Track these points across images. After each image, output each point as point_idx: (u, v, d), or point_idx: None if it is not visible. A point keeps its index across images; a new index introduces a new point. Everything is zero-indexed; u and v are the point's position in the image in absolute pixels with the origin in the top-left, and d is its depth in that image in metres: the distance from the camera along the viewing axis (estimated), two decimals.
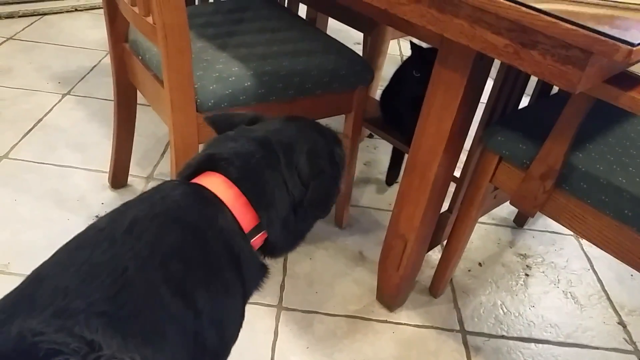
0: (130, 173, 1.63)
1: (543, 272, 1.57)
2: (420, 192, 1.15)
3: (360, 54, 1.39)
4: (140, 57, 1.27)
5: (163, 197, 0.73)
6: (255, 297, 1.33)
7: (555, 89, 1.45)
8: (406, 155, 1.22)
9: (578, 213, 1.04)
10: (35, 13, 2.62)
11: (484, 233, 1.68)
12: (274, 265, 1.44)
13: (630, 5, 0.81)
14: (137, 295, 0.62)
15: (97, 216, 1.50)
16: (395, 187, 1.79)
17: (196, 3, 1.72)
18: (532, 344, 1.34)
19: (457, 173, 1.32)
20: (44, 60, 2.25)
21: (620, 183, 0.98)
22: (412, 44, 1.44)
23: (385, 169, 1.84)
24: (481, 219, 1.71)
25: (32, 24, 2.54)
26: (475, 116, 1.11)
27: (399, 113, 1.53)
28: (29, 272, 0.64)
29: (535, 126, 1.11)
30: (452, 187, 1.35)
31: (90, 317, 0.57)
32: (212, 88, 1.11)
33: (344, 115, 1.40)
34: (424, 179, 1.13)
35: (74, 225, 1.47)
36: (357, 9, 1.16)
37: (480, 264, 1.56)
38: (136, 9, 1.08)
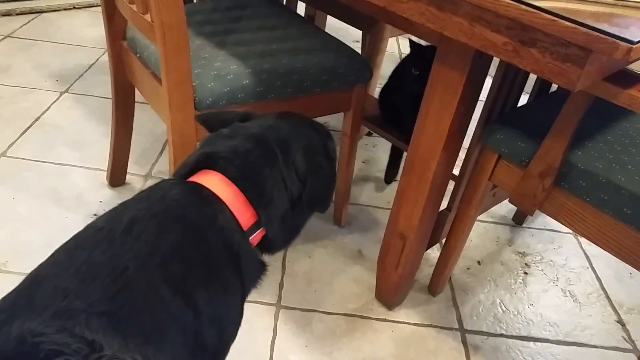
0: (128, 171, 1.63)
1: (542, 270, 1.57)
2: (419, 191, 1.15)
3: (359, 52, 1.39)
4: (138, 55, 1.26)
5: (161, 196, 0.73)
6: (254, 296, 1.33)
7: (554, 87, 1.45)
8: (405, 154, 1.21)
9: (577, 211, 1.04)
10: (33, 11, 2.61)
11: (482, 231, 1.68)
12: (272, 263, 1.44)
13: (629, 3, 0.80)
14: (138, 295, 0.62)
15: (95, 214, 1.50)
16: (394, 185, 1.79)
17: (194, 1, 1.71)
18: (531, 343, 1.34)
19: (455, 171, 1.32)
20: (41, 58, 2.25)
21: (619, 181, 0.98)
22: (411, 41, 1.43)
23: (384, 167, 1.84)
24: (480, 217, 1.71)
25: (29, 21, 2.53)
26: (474, 114, 1.10)
27: (397, 111, 1.53)
28: (27, 271, 0.64)
29: (534, 124, 1.10)
30: (451, 185, 1.35)
31: (90, 318, 0.57)
32: (211, 86, 1.11)
33: (342, 113, 1.40)
34: (422, 177, 1.13)
35: (72, 223, 1.47)
36: (356, 6, 1.16)
37: (479, 263, 1.56)
38: (134, 7, 1.08)
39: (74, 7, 2.73)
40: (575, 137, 1.00)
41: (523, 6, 0.73)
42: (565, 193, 1.04)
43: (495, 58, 0.95)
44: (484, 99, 1.25)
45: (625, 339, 1.39)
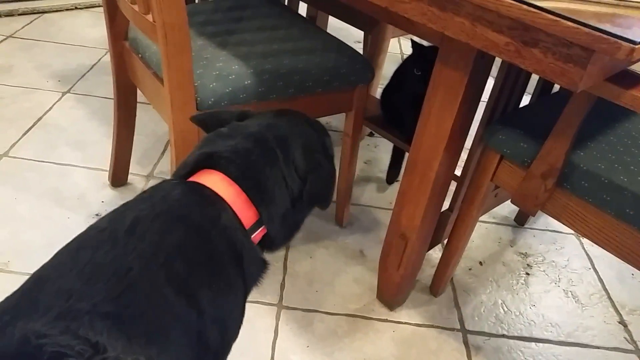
0: (130, 171, 1.63)
1: (544, 271, 1.56)
2: (421, 191, 1.15)
3: (361, 52, 1.39)
4: (140, 55, 1.26)
5: (164, 197, 0.73)
6: (255, 296, 1.33)
7: (556, 88, 1.45)
8: (407, 154, 1.21)
9: (579, 212, 1.04)
10: (35, 11, 2.61)
11: (484, 232, 1.68)
12: (274, 264, 1.44)
13: (631, 4, 0.80)
14: (142, 296, 0.62)
15: (97, 215, 1.50)
16: (396, 186, 1.79)
17: (196, 1, 1.71)
18: (533, 343, 1.34)
19: (457, 172, 1.31)
20: (43, 58, 2.25)
21: (621, 182, 0.98)
22: (413, 42, 1.43)
23: (385, 168, 1.83)
24: (482, 218, 1.71)
25: (31, 22, 2.54)
26: (476, 115, 1.10)
27: (399, 111, 1.53)
28: (28, 271, 0.64)
29: (537, 125, 1.10)
30: (453, 185, 1.35)
31: (94, 319, 0.57)
32: (212, 86, 1.11)
33: (344, 114, 1.40)
34: (424, 177, 1.13)
35: (73, 223, 1.47)
36: (357, 7, 1.16)
37: (480, 263, 1.56)
38: (136, 7, 1.08)
39: (76, 8, 2.73)
40: (577, 138, 1.00)
41: (525, 6, 0.73)
42: (568, 194, 1.04)
43: (497, 58, 0.95)
44: (486, 100, 1.25)
45: (627, 340, 1.38)
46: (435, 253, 1.55)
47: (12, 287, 0.62)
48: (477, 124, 1.27)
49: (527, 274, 1.55)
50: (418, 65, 1.41)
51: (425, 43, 1.36)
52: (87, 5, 2.76)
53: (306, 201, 0.85)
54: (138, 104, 1.50)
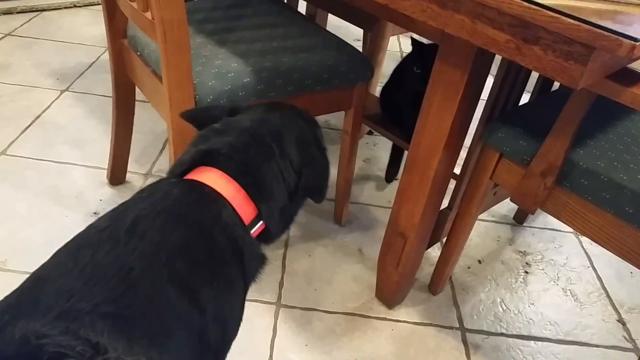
0: (128, 170, 1.63)
1: (542, 269, 1.56)
2: (420, 189, 1.15)
3: (360, 50, 1.39)
4: (139, 53, 1.26)
5: (164, 195, 0.73)
6: (254, 295, 1.33)
7: (555, 86, 1.45)
8: (406, 152, 1.21)
9: (578, 210, 1.04)
10: (33, 9, 2.61)
11: (483, 230, 1.68)
12: (273, 262, 1.44)
13: (632, 1, 0.80)
14: (143, 296, 0.61)
15: (95, 213, 1.50)
16: (395, 184, 1.79)
17: None
18: (532, 342, 1.34)
19: (457, 170, 1.31)
20: (42, 56, 2.24)
21: (621, 180, 0.97)
22: (413, 40, 1.43)
23: (384, 166, 1.83)
24: (481, 216, 1.71)
25: (30, 20, 2.53)
26: (475, 113, 1.10)
27: (399, 110, 1.53)
28: (26, 269, 0.63)
29: (536, 123, 1.10)
30: (452, 184, 1.35)
31: (95, 319, 0.56)
32: (211, 84, 1.10)
33: (343, 112, 1.40)
34: (424, 176, 1.13)
35: (72, 221, 1.47)
36: (357, 4, 1.16)
37: (479, 262, 1.56)
38: (135, 5, 1.07)
39: (75, 6, 2.72)
40: (577, 136, 0.99)
41: (525, 3, 0.73)
42: (567, 192, 1.04)
43: (496, 56, 0.95)
44: (486, 98, 1.25)
45: (626, 338, 1.38)
46: (434, 251, 1.55)
47: (9, 286, 0.62)
48: (477, 122, 1.27)
49: (526, 272, 1.55)
50: (418, 63, 1.40)
51: (425, 41, 1.36)
52: (85, 3, 2.75)
53: (301, 194, 0.85)
54: (137, 102, 1.50)
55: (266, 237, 0.83)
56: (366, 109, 1.43)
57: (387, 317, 1.34)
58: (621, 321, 1.43)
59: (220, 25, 1.33)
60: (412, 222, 1.20)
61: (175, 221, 0.69)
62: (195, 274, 0.67)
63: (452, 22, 0.84)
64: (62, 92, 2.02)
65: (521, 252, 1.62)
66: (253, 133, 0.83)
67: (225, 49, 1.21)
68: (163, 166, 1.72)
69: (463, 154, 1.28)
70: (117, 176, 1.61)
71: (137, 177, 1.66)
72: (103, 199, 1.56)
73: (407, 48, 2.75)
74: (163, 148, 1.80)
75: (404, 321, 1.34)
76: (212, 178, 0.77)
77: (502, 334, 1.34)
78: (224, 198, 0.75)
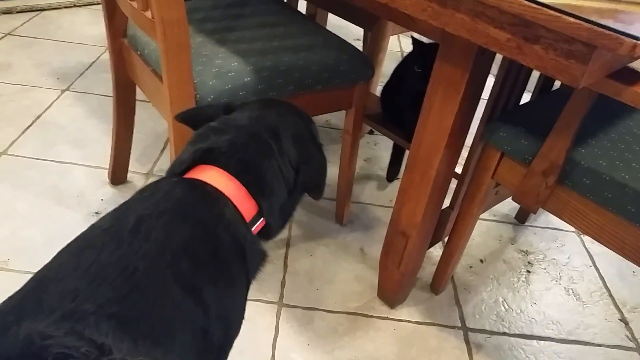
0: (129, 169, 1.63)
1: (544, 268, 1.56)
2: (422, 189, 1.15)
3: (361, 50, 1.38)
4: (139, 53, 1.26)
5: (166, 195, 0.73)
6: (256, 294, 1.33)
7: (556, 85, 1.44)
8: (407, 152, 1.21)
9: (580, 209, 1.03)
10: (33, 9, 2.61)
11: (485, 230, 1.68)
12: (274, 262, 1.43)
13: None
14: (148, 296, 0.61)
15: (96, 213, 1.50)
16: (396, 184, 1.79)
17: None
18: (534, 341, 1.33)
19: (458, 169, 1.31)
20: (42, 56, 2.24)
21: (622, 179, 0.97)
22: (413, 39, 1.43)
23: (385, 166, 1.83)
24: (482, 216, 1.71)
25: (30, 19, 2.53)
26: (476, 112, 1.10)
27: (399, 109, 1.52)
28: (28, 269, 0.63)
29: (537, 122, 1.10)
30: (454, 183, 1.34)
31: (100, 320, 0.56)
32: (212, 83, 1.10)
33: (344, 111, 1.39)
34: (425, 175, 1.13)
35: (73, 221, 1.47)
36: (357, 4, 1.15)
37: (481, 261, 1.56)
38: (135, 4, 1.07)
39: (75, 5, 2.72)
40: (578, 135, 0.99)
41: (526, 2, 0.72)
42: (569, 191, 1.04)
43: (497, 56, 0.94)
44: (487, 97, 1.24)
45: (628, 338, 1.38)
46: (436, 251, 1.55)
47: (11, 286, 0.62)
48: (478, 122, 1.27)
49: (528, 271, 1.54)
50: (418, 63, 1.40)
51: (425, 40, 1.36)
52: (85, 2, 2.75)
53: (299, 191, 0.87)
54: (137, 102, 1.49)
55: (266, 233, 0.84)
56: (367, 108, 1.43)
57: (389, 317, 1.34)
58: (623, 320, 1.43)
59: (220, 25, 1.33)
60: (413, 221, 1.20)
61: (179, 220, 0.69)
62: (199, 273, 0.67)
63: (452, 21, 0.83)
64: (62, 91, 2.02)
65: (523, 251, 1.61)
66: (251, 131, 0.83)
67: (226, 48, 1.21)
68: (164, 166, 1.72)
69: (464, 153, 1.27)
70: (118, 176, 1.61)
71: (138, 177, 1.66)
72: (104, 198, 1.56)
73: (408, 47, 2.74)
74: (164, 148, 1.80)
75: (405, 320, 1.34)
76: (214, 176, 0.77)
77: (504, 334, 1.34)
78: (226, 196, 0.75)
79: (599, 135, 1.10)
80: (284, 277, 1.40)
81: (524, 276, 1.52)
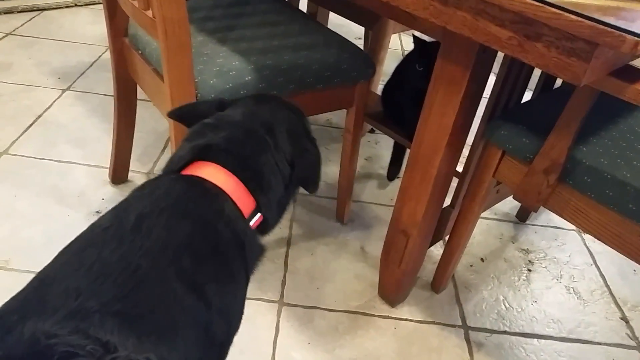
0: (130, 169, 1.63)
1: (545, 267, 1.56)
2: (423, 187, 1.15)
3: (362, 48, 1.38)
4: (140, 52, 1.26)
5: (166, 192, 0.73)
6: (256, 293, 1.33)
7: (557, 84, 1.44)
8: (408, 150, 1.21)
9: (581, 207, 1.03)
10: (34, 8, 2.61)
11: (486, 228, 1.67)
12: (275, 261, 1.43)
13: None
14: (151, 293, 0.61)
15: (97, 212, 1.50)
16: (397, 182, 1.79)
17: None
18: (535, 340, 1.33)
19: (459, 168, 1.31)
20: (43, 55, 2.24)
21: (624, 177, 0.97)
22: (415, 37, 1.43)
23: (386, 164, 1.83)
24: (483, 214, 1.71)
25: (31, 19, 2.53)
26: (477, 111, 1.10)
27: (400, 108, 1.52)
28: (29, 268, 0.63)
29: (539, 120, 1.10)
30: (455, 182, 1.34)
31: (105, 318, 0.56)
32: (213, 82, 1.10)
33: (345, 110, 1.39)
34: (426, 174, 1.13)
35: (74, 221, 1.47)
36: (358, 2, 1.15)
37: (482, 260, 1.56)
38: (136, 3, 1.07)
39: (76, 5, 2.72)
40: (579, 133, 0.99)
41: (528, 0, 0.72)
42: (570, 189, 1.03)
43: (499, 54, 0.94)
44: (488, 96, 1.24)
45: (629, 336, 1.38)
46: (437, 249, 1.55)
47: (12, 285, 0.62)
48: (479, 120, 1.27)
49: (529, 270, 1.54)
50: (420, 61, 1.40)
51: (426, 38, 1.36)
52: (86, 2, 2.75)
53: (295, 185, 0.88)
54: (138, 101, 1.49)
55: (264, 228, 0.85)
56: (368, 107, 1.43)
57: (389, 315, 1.34)
58: (624, 319, 1.43)
59: (221, 24, 1.33)
60: (414, 220, 1.20)
61: (180, 217, 0.70)
62: (201, 269, 0.67)
63: (454, 19, 0.83)
64: (63, 91, 2.02)
65: (524, 250, 1.61)
66: (247, 127, 0.84)
67: (227, 47, 1.21)
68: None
69: (465, 151, 1.27)
70: (119, 175, 1.61)
71: (139, 176, 1.65)
72: (105, 198, 1.56)
73: (409, 46, 2.74)
74: (165, 147, 1.80)
75: (406, 319, 1.34)
76: (212, 173, 0.77)
77: (505, 332, 1.34)
78: (225, 192, 0.76)
79: (600, 134, 1.10)
80: (284, 276, 1.40)
81: (525, 275, 1.52)
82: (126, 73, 1.39)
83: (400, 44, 2.82)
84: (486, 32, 0.80)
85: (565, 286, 1.50)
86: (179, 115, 0.93)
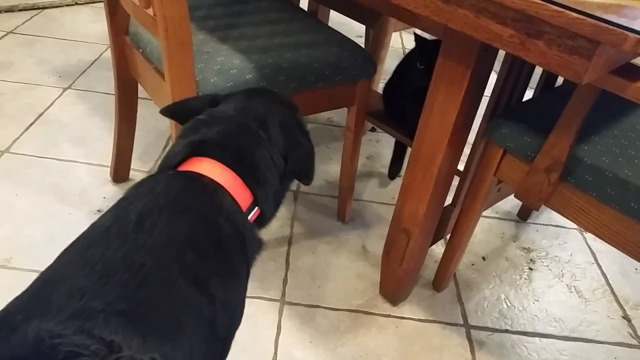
0: (132, 167, 1.63)
1: (547, 266, 1.56)
2: (424, 186, 1.14)
3: (363, 47, 1.38)
4: (141, 50, 1.26)
5: (165, 189, 0.73)
6: (258, 292, 1.33)
7: (559, 82, 1.44)
8: (409, 149, 1.21)
9: (583, 206, 1.03)
10: (35, 7, 2.61)
11: (487, 227, 1.67)
12: (276, 259, 1.43)
13: None
14: (155, 291, 0.61)
15: (98, 211, 1.50)
16: (398, 181, 1.78)
17: None
18: (536, 338, 1.33)
19: (460, 166, 1.31)
20: (44, 54, 2.24)
21: (626, 176, 0.97)
22: (416, 35, 1.42)
23: (387, 163, 1.83)
24: (485, 213, 1.70)
25: (32, 17, 2.53)
26: (479, 109, 1.10)
27: (402, 106, 1.52)
28: (31, 267, 0.63)
29: (540, 118, 1.09)
30: (456, 180, 1.34)
31: (109, 317, 0.56)
32: (214, 81, 1.10)
33: (346, 109, 1.39)
34: (427, 172, 1.13)
35: (75, 219, 1.47)
36: (359, 0, 1.15)
37: (484, 258, 1.56)
38: (137, 1, 1.07)
39: (76, 3, 2.72)
40: (581, 132, 0.99)
41: None
42: (571, 188, 1.03)
43: (500, 52, 0.94)
44: (489, 94, 1.24)
45: (631, 335, 1.38)
46: (438, 248, 1.55)
47: (14, 284, 0.62)
48: (480, 118, 1.26)
49: (531, 269, 1.54)
50: (421, 59, 1.40)
51: (428, 36, 1.36)
52: (87, 0, 2.75)
53: (289, 178, 0.89)
54: (139, 100, 1.49)
55: (261, 221, 0.85)
56: (369, 105, 1.43)
57: (391, 314, 1.34)
58: (626, 317, 1.43)
59: (222, 22, 1.33)
60: (415, 218, 1.19)
61: (181, 214, 0.70)
62: (204, 265, 0.68)
63: (455, 17, 0.83)
64: (64, 89, 2.02)
65: (525, 248, 1.61)
66: (240, 122, 0.85)
67: (228, 46, 1.21)
68: None
69: (467, 150, 1.27)
70: (120, 174, 1.61)
71: (141, 175, 1.65)
72: (106, 196, 1.56)
73: (410, 44, 2.74)
74: (166, 145, 1.80)
75: (408, 318, 1.34)
76: (209, 168, 0.77)
77: (506, 331, 1.34)
78: (223, 187, 0.76)
79: (602, 132, 1.10)
80: (286, 275, 1.40)
81: (526, 273, 1.52)
82: (127, 71, 1.39)
83: (401, 42, 2.82)
84: (487, 30, 0.80)
85: (567, 285, 1.50)
86: (171, 112, 0.94)
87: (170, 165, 0.80)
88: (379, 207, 1.68)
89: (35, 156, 1.67)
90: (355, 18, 1.83)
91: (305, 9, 1.76)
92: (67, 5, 2.69)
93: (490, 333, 1.33)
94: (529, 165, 1.07)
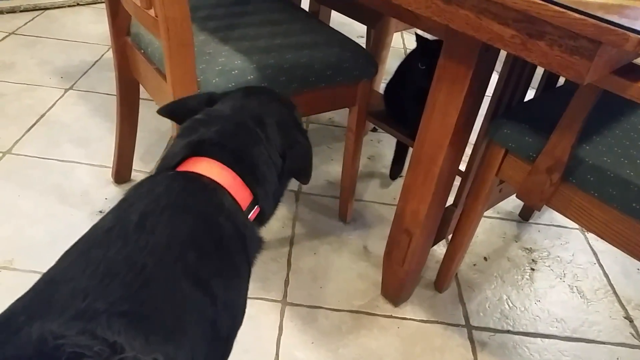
0: (133, 168, 1.63)
1: (549, 266, 1.56)
2: (425, 186, 1.14)
3: (364, 47, 1.38)
4: (142, 51, 1.26)
5: (166, 189, 0.73)
6: (259, 293, 1.33)
7: (560, 82, 1.44)
8: (410, 149, 1.21)
9: (585, 206, 1.03)
10: (36, 8, 2.61)
11: (489, 227, 1.67)
12: (278, 260, 1.43)
13: None
14: (158, 292, 0.61)
15: (100, 211, 1.50)
16: (400, 181, 1.78)
17: None
18: (538, 339, 1.33)
19: (462, 167, 1.31)
20: (46, 55, 2.25)
21: (627, 176, 0.97)
22: (417, 35, 1.42)
23: (389, 163, 1.83)
24: (486, 213, 1.70)
25: (33, 18, 2.53)
26: (480, 109, 1.10)
27: (403, 106, 1.52)
28: (33, 268, 0.63)
29: (542, 119, 1.09)
30: (457, 181, 1.34)
31: (112, 318, 0.56)
32: (215, 81, 1.10)
33: (347, 109, 1.39)
34: (429, 173, 1.12)
35: (77, 220, 1.47)
36: (360, 1, 1.15)
37: (485, 259, 1.55)
38: (138, 2, 1.07)
39: (78, 4, 2.72)
40: (583, 132, 0.99)
41: None
42: (573, 188, 1.03)
43: (501, 52, 0.94)
44: (491, 95, 1.24)
45: (633, 335, 1.38)
46: (440, 249, 1.55)
47: (17, 285, 0.62)
48: (482, 119, 1.26)
49: (532, 269, 1.54)
50: (422, 60, 1.40)
51: (429, 37, 1.36)
52: (89, 1, 2.75)
53: (287, 176, 0.89)
54: (141, 100, 1.49)
55: (261, 220, 0.86)
56: (370, 105, 1.43)
57: (392, 315, 1.34)
58: (628, 318, 1.43)
59: (223, 23, 1.33)
60: (417, 219, 1.19)
61: (183, 214, 0.70)
62: (206, 265, 0.68)
63: (456, 17, 0.83)
64: (66, 90, 2.03)
65: (527, 248, 1.61)
66: (238, 121, 0.85)
67: (229, 46, 1.21)
68: None
69: (468, 150, 1.27)
70: (122, 175, 1.61)
71: (142, 176, 1.66)
72: (108, 197, 1.56)
73: (411, 44, 2.74)
74: (167, 146, 1.80)
75: (409, 319, 1.34)
76: (208, 168, 0.77)
77: (508, 331, 1.34)
78: (222, 186, 0.76)
79: (604, 132, 1.10)
80: (287, 276, 1.40)
81: (528, 274, 1.52)
82: (129, 72, 1.39)
83: (402, 42, 2.82)
84: (489, 31, 0.80)
85: (569, 285, 1.50)
86: (169, 111, 0.93)
87: (169, 165, 0.80)
88: (380, 208, 1.68)
89: (37, 157, 1.68)
90: (357, 18, 1.83)
91: (307, 10, 1.76)
92: (68, 6, 2.69)
93: (492, 334, 1.33)
94: (531, 166, 1.06)
